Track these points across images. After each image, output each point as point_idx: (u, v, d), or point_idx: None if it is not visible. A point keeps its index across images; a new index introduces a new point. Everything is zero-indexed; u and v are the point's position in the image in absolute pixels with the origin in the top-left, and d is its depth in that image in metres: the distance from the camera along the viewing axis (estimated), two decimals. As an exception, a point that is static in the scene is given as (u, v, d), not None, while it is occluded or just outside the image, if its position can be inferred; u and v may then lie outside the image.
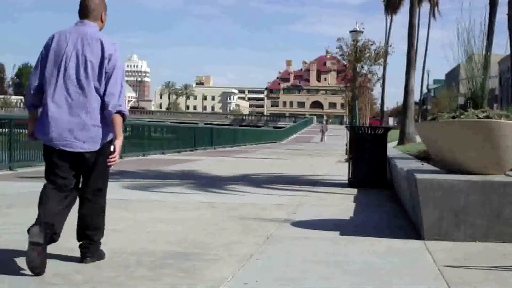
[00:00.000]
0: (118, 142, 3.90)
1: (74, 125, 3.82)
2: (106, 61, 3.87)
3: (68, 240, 4.34)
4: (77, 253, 4.12)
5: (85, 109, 3.83)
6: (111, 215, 6.20)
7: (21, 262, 3.98)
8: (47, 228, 3.68)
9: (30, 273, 3.62)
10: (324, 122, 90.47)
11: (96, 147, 3.87)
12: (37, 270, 3.62)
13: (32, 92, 3.93)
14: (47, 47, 3.96)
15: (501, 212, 4.92)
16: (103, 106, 3.86)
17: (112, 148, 3.89)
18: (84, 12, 4.03)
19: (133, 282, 3.57)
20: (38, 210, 3.78)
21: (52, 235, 3.75)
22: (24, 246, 3.68)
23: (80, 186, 4.01)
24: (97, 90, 3.86)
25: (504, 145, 5.21)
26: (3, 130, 12.45)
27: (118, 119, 3.87)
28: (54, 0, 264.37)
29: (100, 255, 4.11)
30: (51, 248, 4.40)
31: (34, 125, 3.99)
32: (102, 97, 3.86)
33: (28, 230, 3.66)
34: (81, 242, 4.07)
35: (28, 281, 3.53)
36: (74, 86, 3.84)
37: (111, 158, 3.90)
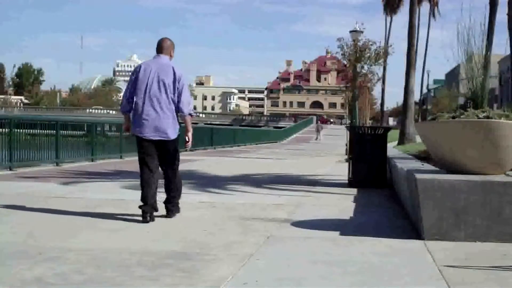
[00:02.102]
0: (190, 134, 6.02)
1: (157, 123, 5.78)
2: (177, 82, 5.84)
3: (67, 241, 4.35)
4: (76, 254, 4.11)
5: (164, 113, 5.80)
6: (111, 215, 6.22)
7: (20, 262, 3.98)
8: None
9: (28, 276, 3.61)
10: (319, 121, 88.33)
11: (172, 137, 5.89)
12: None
13: (126, 101, 5.92)
14: (136, 72, 5.89)
15: (501, 212, 4.92)
16: (179, 111, 5.87)
17: (186, 138, 6.01)
18: (160, 49, 6.00)
19: (133, 282, 3.57)
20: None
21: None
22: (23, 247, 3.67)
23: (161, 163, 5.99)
24: (172, 100, 5.83)
25: (504, 145, 5.21)
26: (3, 130, 12.41)
27: (188, 119, 6.00)
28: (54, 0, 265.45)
29: (178, 210, 6.18)
30: (50, 248, 4.41)
31: (129, 123, 5.98)
32: (178, 105, 5.84)
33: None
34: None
35: (29, 282, 3.53)
36: (156, 98, 5.78)
37: (186, 144, 6.08)
